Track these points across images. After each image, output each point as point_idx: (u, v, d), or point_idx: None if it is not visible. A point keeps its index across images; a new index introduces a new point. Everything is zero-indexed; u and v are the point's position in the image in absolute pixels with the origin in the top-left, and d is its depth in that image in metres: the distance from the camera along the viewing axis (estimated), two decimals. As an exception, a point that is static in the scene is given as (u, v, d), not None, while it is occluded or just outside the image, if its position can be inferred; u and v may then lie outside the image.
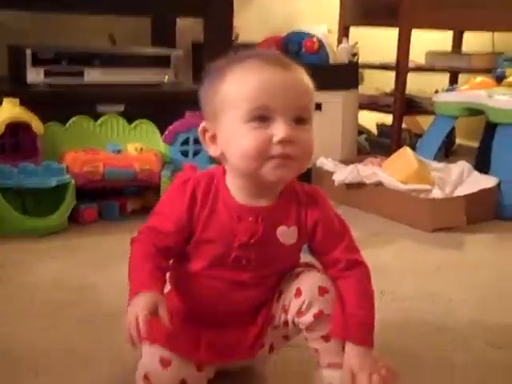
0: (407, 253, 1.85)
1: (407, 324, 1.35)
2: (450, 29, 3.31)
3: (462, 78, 3.29)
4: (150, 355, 0.97)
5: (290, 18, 3.21)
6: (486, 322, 1.39)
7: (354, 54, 2.79)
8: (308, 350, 1.05)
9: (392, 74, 2.95)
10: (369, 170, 2.22)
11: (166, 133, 2.05)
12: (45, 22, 2.58)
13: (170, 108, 2.23)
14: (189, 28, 2.87)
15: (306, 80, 0.96)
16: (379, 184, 2.15)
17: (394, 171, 2.16)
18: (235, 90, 0.93)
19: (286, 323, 1.03)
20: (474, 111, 2.44)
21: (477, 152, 2.72)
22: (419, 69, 3.12)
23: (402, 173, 2.13)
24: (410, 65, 2.94)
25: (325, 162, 2.38)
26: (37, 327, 1.28)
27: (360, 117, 2.94)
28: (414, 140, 3.05)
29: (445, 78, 3.33)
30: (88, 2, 2.22)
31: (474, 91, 2.44)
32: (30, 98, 2.05)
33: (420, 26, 2.93)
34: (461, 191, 2.14)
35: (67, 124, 2.07)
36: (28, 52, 2.14)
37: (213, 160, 2.05)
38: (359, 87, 2.82)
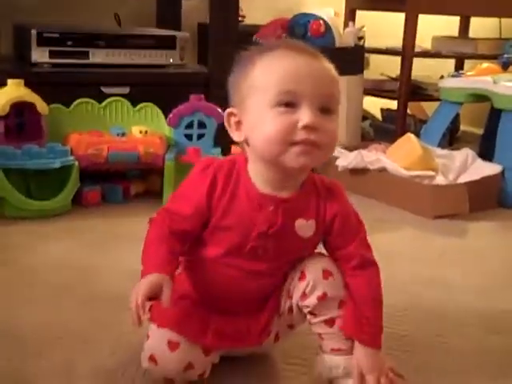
0: (409, 239, 1.86)
1: (407, 310, 1.36)
2: (456, 14, 3.28)
3: (468, 63, 3.27)
4: (158, 337, 0.99)
5: (296, 0, 3.19)
6: (486, 308, 1.40)
7: (360, 38, 2.77)
8: (310, 336, 1.06)
9: (398, 59, 2.93)
10: (373, 156, 2.21)
11: (171, 116, 2.04)
12: (50, 2, 2.57)
13: (174, 90, 2.22)
14: (194, 9, 2.85)
15: (333, 71, 0.96)
16: (383, 170, 2.15)
17: (398, 157, 2.15)
18: (264, 76, 0.94)
19: (290, 309, 1.04)
20: (480, 97, 2.44)
21: (481, 139, 2.71)
22: (425, 54, 3.10)
23: (406, 159, 2.13)
24: (416, 50, 2.92)
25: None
26: (39, 309, 1.29)
27: (364, 102, 2.93)
28: (418, 126, 3.04)
29: (451, 64, 3.31)
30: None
31: (480, 77, 2.44)
32: (35, 79, 2.04)
33: (427, 11, 2.90)
34: (464, 178, 2.14)
35: (71, 106, 2.07)
36: (33, 32, 2.13)
37: (217, 144, 2.07)
38: (364, 72, 2.81)
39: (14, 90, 1.92)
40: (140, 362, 1.04)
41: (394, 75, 3.13)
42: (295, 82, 0.92)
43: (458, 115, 2.95)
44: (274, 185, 0.98)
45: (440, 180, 2.08)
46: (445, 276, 1.58)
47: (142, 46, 2.32)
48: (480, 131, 2.80)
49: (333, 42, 2.60)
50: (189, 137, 2.07)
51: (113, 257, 1.58)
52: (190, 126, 2.06)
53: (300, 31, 2.60)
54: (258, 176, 0.98)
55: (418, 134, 2.42)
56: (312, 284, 1.00)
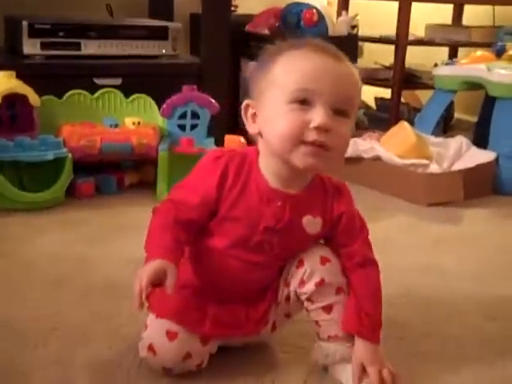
0: (404, 227, 1.86)
1: (403, 297, 1.36)
2: (450, 2, 3.27)
3: (461, 51, 3.26)
4: (157, 327, 0.99)
5: (289, -10, 3.17)
6: (481, 294, 1.40)
7: (354, 27, 2.77)
8: (307, 324, 1.06)
9: (391, 48, 2.92)
10: (367, 145, 2.21)
11: (164, 106, 2.03)
12: (41, -7, 2.55)
13: (167, 81, 2.21)
14: (187, 0, 2.84)
15: (355, 75, 0.96)
16: (377, 158, 2.15)
17: (392, 146, 2.15)
18: (283, 72, 0.94)
19: (287, 298, 1.05)
20: (474, 85, 2.43)
21: (475, 126, 2.71)
22: (419, 42, 3.09)
23: (400, 147, 2.13)
24: (410, 38, 2.91)
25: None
26: (37, 300, 1.28)
27: (358, 91, 2.91)
28: (412, 114, 3.04)
29: (444, 52, 3.31)
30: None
31: (474, 65, 2.43)
32: (26, 70, 2.03)
33: (420, -1, 2.90)
34: (458, 166, 2.14)
35: (63, 97, 2.05)
36: (24, 23, 2.12)
37: (210, 134, 2.06)
38: (358, 61, 2.80)
39: (6, 82, 1.91)
40: (136, 354, 1.05)
41: (387, 64, 3.13)
42: (312, 80, 0.92)
43: (452, 103, 2.95)
44: (284, 180, 0.99)
45: (434, 168, 2.08)
46: (440, 263, 1.58)
47: (135, 37, 2.31)
48: (474, 119, 2.80)
49: (326, 30, 2.58)
50: (182, 127, 2.06)
51: (108, 248, 1.58)
52: (183, 116, 2.05)
53: (293, 20, 2.59)
54: (268, 170, 0.99)
55: (412, 123, 2.42)
56: (310, 271, 1.00)
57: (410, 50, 2.92)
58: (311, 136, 0.91)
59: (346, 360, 1.02)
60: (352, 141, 2.22)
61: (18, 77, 1.93)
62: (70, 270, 1.44)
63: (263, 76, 0.97)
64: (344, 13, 2.81)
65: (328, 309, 1.01)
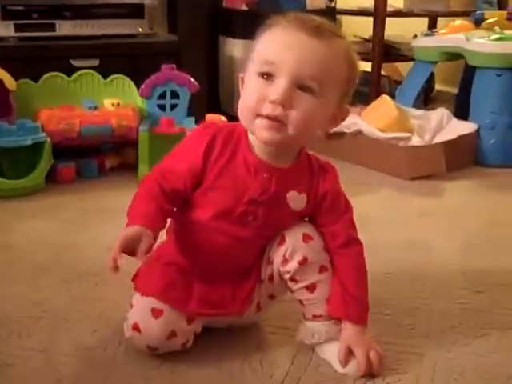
0: (387, 201, 1.86)
1: (387, 272, 1.36)
2: (428, -29, 3.25)
3: (440, 21, 3.25)
4: (142, 305, 1.00)
5: (265, -36, 3.13)
6: (466, 268, 1.41)
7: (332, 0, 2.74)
8: (292, 304, 1.06)
9: (370, 20, 2.90)
10: (348, 119, 2.19)
11: (143, 86, 2.01)
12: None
13: (145, 61, 2.19)
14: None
15: (332, 54, 0.94)
16: (359, 133, 2.14)
17: (374, 120, 2.14)
18: (258, 46, 0.96)
19: (271, 277, 1.04)
20: (454, 55, 2.43)
21: (456, 98, 2.71)
22: (397, 13, 3.07)
23: (382, 121, 2.12)
24: (389, 9, 2.89)
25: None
26: (18, 288, 1.27)
27: (338, 64, 2.90)
28: (393, 87, 3.03)
29: (424, 23, 3.29)
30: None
31: (453, 35, 2.42)
32: (1, 54, 2.00)
33: (398, -31, 2.88)
34: (440, 138, 2.14)
35: (40, 80, 2.02)
36: (-4, 5, 2.08)
37: (191, 113, 2.04)
38: (337, 34, 2.77)
39: (-20, 67, 1.88)
40: (122, 338, 1.05)
41: (366, 36, 3.11)
42: (277, 54, 0.92)
43: (432, 74, 2.94)
44: (270, 154, 0.99)
45: (416, 141, 2.08)
46: (425, 237, 1.58)
47: (110, 16, 2.28)
48: (455, 90, 2.79)
49: (304, 4, 2.56)
50: (162, 107, 2.04)
51: (90, 233, 1.56)
52: (162, 96, 2.03)
53: (271, -5, 2.56)
54: (255, 143, 0.99)
55: (392, 96, 2.41)
56: (292, 248, 1.00)
57: (389, 21, 2.90)
58: (266, 109, 0.92)
59: (332, 338, 1.02)
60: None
61: (-8, 60, 1.90)
62: (52, 256, 1.43)
63: (252, 50, 0.98)
64: (322, -15, 2.77)
65: (311, 288, 1.01)
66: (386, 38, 2.92)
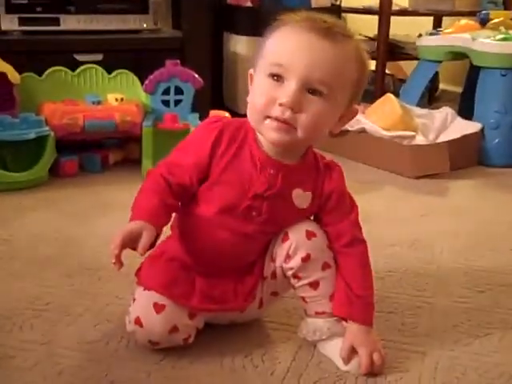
0: (391, 200, 1.86)
1: (389, 270, 1.36)
2: (433, -30, 3.24)
3: (446, 21, 3.24)
4: (144, 300, 0.99)
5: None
6: (469, 267, 1.41)
7: (337, -2, 2.74)
8: (295, 301, 1.06)
9: (375, 18, 2.90)
10: (352, 117, 2.19)
11: (147, 82, 2.01)
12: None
13: (149, 56, 2.19)
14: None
15: (343, 56, 0.93)
16: (362, 131, 2.14)
17: (378, 118, 2.14)
18: (269, 46, 0.96)
19: (274, 274, 1.04)
20: (458, 55, 2.43)
21: (460, 97, 2.71)
22: (403, 12, 3.07)
23: (386, 120, 2.12)
24: (394, 8, 2.89)
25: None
26: (18, 281, 1.27)
27: (343, 63, 2.89)
28: (397, 86, 3.03)
29: (429, 22, 3.28)
30: None
31: (458, 34, 2.42)
32: (4, 47, 2.00)
33: (404, -32, 2.87)
34: (444, 137, 2.14)
35: (44, 74, 2.02)
36: (1, -1, 2.08)
37: (195, 109, 2.04)
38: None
39: (-16, 60, 1.87)
40: (124, 333, 1.05)
41: (371, 35, 3.10)
42: (287, 56, 0.92)
43: (436, 74, 2.94)
44: (276, 151, 0.98)
45: (420, 140, 2.07)
46: (428, 236, 1.58)
47: (114, 11, 2.28)
48: (459, 89, 2.79)
49: (309, 1, 2.56)
50: (166, 103, 2.04)
51: (92, 227, 1.56)
52: (166, 92, 2.03)
53: (276, -8, 2.55)
54: (263, 139, 0.99)
55: (397, 94, 2.41)
56: (295, 245, 1.00)
57: (394, 20, 2.90)
58: (275, 112, 0.92)
59: (334, 335, 1.02)
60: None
61: (-4, 54, 1.90)
62: (54, 249, 1.43)
63: (261, 47, 0.97)
64: (327, -17, 2.77)
65: (315, 285, 1.01)
66: (390, 36, 2.92)
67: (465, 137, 2.14)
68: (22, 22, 2.12)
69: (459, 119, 2.26)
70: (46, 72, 2.02)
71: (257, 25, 2.61)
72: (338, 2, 2.73)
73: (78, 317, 1.14)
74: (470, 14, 2.88)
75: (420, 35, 2.69)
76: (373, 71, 3.03)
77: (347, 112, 1.00)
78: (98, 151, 2.02)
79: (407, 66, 3.14)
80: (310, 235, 1.00)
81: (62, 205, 1.71)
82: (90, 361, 1.01)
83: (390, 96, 2.24)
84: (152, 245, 0.91)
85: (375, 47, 2.93)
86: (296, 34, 0.93)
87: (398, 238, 1.55)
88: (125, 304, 1.05)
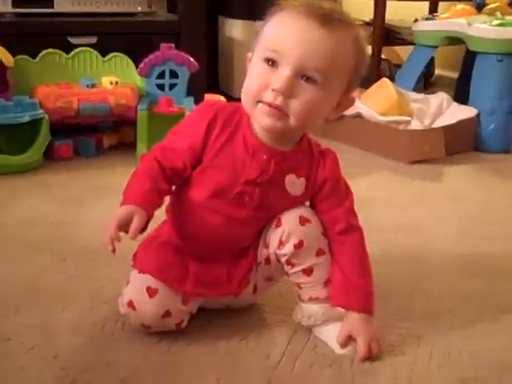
0: (386, 185, 1.86)
1: (385, 256, 1.35)
2: (430, -45, 3.22)
3: (442, 5, 3.23)
4: (138, 283, 0.99)
5: None
6: (463, 252, 1.41)
7: (333, -18, 2.72)
8: (288, 286, 1.06)
9: (371, 3, 2.88)
10: (348, 102, 2.19)
11: (142, 65, 1.99)
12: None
13: (144, 39, 2.17)
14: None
15: (340, 44, 0.92)
16: (358, 116, 2.13)
17: (374, 103, 2.13)
18: (266, 31, 0.95)
19: (267, 260, 1.04)
20: (454, 40, 2.41)
21: (456, 82, 2.70)
22: (399, -3, 3.05)
23: (382, 104, 2.11)
24: (390, -8, 2.87)
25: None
26: (13, 265, 1.27)
27: (338, 47, 2.88)
28: (393, 71, 3.01)
29: (425, 7, 3.27)
30: None
31: (454, 19, 2.41)
32: (-3, 29, 1.98)
33: (400, -48, 2.85)
34: (440, 122, 2.13)
35: (38, 57, 2.00)
36: (-6, -20, 2.06)
37: (190, 93, 2.03)
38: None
39: (-24, 42, 1.86)
40: (119, 317, 1.05)
41: (367, 19, 3.09)
42: (282, 43, 0.91)
43: (432, 59, 2.93)
44: (270, 137, 0.98)
45: (416, 125, 2.07)
46: (423, 221, 1.58)
47: (109, -7, 2.26)
48: (455, 75, 2.78)
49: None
50: (161, 87, 2.02)
51: (87, 211, 1.56)
52: (161, 75, 2.01)
53: (272, -25, 2.53)
54: (257, 125, 0.98)
55: (392, 79, 2.40)
56: (288, 231, 0.99)
57: (390, 5, 2.88)
58: (267, 97, 0.91)
59: (329, 320, 1.02)
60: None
61: (-11, 36, 1.88)
62: (48, 233, 1.42)
63: (259, 31, 0.97)
64: (323, -33, 2.75)
65: (308, 271, 1.01)
66: (386, 21, 2.90)
67: (460, 122, 2.13)
68: (15, 3, 2.10)
69: (455, 104, 2.26)
70: (40, 55, 2.00)
71: (252, 9, 2.60)
72: (333, -14, 2.72)
73: (73, 300, 1.14)
74: (466, -2, 2.86)
75: (416, 20, 2.68)
76: (368, 56, 3.02)
77: (344, 100, 0.99)
78: (92, 135, 2.01)
79: (402, 52, 3.13)
80: (303, 221, 1.00)
81: (57, 188, 1.71)
82: (86, 344, 1.01)
83: (385, 81, 2.24)
84: (143, 229, 0.91)
85: (371, 32, 2.91)
86: (293, 20, 0.92)
87: (393, 223, 1.55)
88: (120, 287, 1.05)
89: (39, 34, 2.09)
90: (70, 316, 1.09)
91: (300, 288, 1.03)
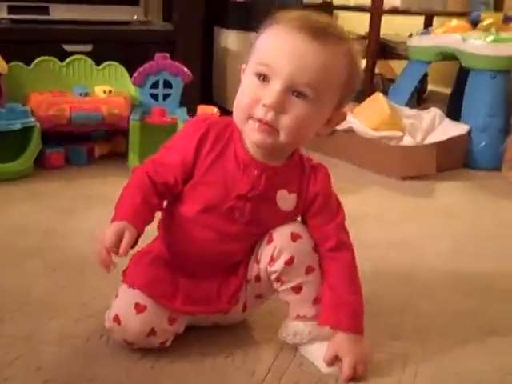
0: (378, 200, 1.86)
1: (376, 272, 1.35)
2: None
3: (437, 20, 3.25)
4: (127, 298, 0.98)
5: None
6: (454, 270, 1.41)
7: (329, -6, 2.74)
8: (278, 303, 1.06)
9: (366, 17, 2.89)
10: (341, 116, 2.19)
11: (136, 74, 1.99)
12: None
13: (139, 49, 2.18)
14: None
15: (332, 59, 0.92)
16: (350, 130, 2.14)
17: (366, 118, 2.14)
18: (258, 45, 0.95)
19: (258, 277, 1.03)
20: (448, 56, 2.42)
21: (449, 98, 2.71)
22: (394, 11, 3.06)
23: (374, 119, 2.12)
24: (385, 7, 2.88)
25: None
26: (2, 274, 1.26)
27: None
28: (386, 85, 3.02)
29: (420, 22, 3.29)
30: None
31: (449, 35, 2.42)
32: (-8, 36, 1.97)
33: (396, -33, 2.87)
34: (432, 139, 2.14)
35: (32, 64, 2.00)
36: (-11, -14, 2.06)
37: (183, 104, 2.03)
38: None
39: (-29, 48, 1.85)
40: (105, 330, 1.04)
41: (362, 33, 3.10)
42: (274, 57, 0.91)
43: (425, 74, 2.94)
44: (261, 152, 0.97)
45: (408, 140, 2.07)
46: (413, 237, 1.58)
47: (105, 2, 2.26)
48: (448, 90, 2.79)
49: (301, -2, 2.55)
50: (154, 97, 2.02)
51: (78, 220, 1.55)
52: (155, 85, 2.01)
53: (267, -13, 2.54)
54: (248, 140, 0.98)
55: (386, 94, 2.41)
56: (279, 247, 0.99)
57: (385, 19, 2.90)
58: (258, 112, 0.91)
59: (315, 339, 1.01)
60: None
61: (-16, 42, 1.88)
62: (39, 242, 1.42)
63: (253, 43, 0.97)
64: (319, -20, 2.77)
65: (297, 289, 1.00)
66: (381, 35, 2.91)
67: (452, 139, 2.14)
68: (11, 10, 2.10)
69: (447, 121, 2.26)
70: (34, 62, 2.00)
71: (248, 20, 2.61)
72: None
73: (60, 311, 1.13)
74: (461, 14, 2.88)
75: (411, 35, 2.69)
76: (362, 70, 3.03)
77: (335, 115, 0.99)
78: (84, 144, 2.01)
79: (396, 66, 3.15)
80: (295, 237, 0.99)
81: (47, 197, 1.70)
82: (70, 356, 1.00)
83: (378, 95, 2.24)
84: (133, 245, 0.91)
85: (365, 45, 2.92)
86: (286, 34, 0.91)
87: (384, 240, 1.55)
88: (108, 300, 1.04)
89: (34, 40, 2.09)
90: (56, 327, 1.08)
91: (288, 306, 1.03)
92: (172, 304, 0.99)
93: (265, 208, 1.00)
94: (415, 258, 1.46)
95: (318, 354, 1.00)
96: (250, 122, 0.92)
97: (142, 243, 0.99)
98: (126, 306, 0.98)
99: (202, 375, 0.98)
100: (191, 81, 2.03)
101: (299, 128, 0.92)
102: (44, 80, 2.00)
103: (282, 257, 0.99)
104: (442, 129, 2.19)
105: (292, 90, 0.91)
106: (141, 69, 1.99)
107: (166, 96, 2.02)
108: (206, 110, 2.00)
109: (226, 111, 0.99)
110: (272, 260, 1.00)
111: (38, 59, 2.01)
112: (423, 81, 3.06)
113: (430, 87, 3.34)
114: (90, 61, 2.06)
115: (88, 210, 1.61)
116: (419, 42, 2.53)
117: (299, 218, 1.05)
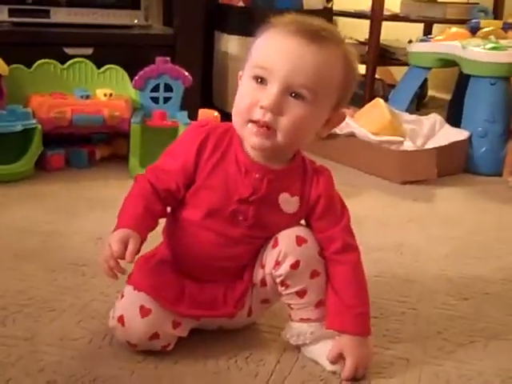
0: (377, 205, 1.86)
1: (375, 276, 1.35)
2: (425, -23, 3.25)
3: (436, 28, 3.26)
4: (132, 300, 0.99)
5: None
6: (453, 274, 1.41)
7: (329, 0, 2.74)
8: (281, 304, 1.06)
9: (366, 23, 2.90)
10: (341, 121, 2.19)
11: (137, 78, 1.99)
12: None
13: (139, 52, 2.18)
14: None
15: (329, 61, 0.93)
16: (351, 135, 2.14)
17: (367, 122, 2.14)
18: (255, 49, 0.95)
19: (263, 282, 1.03)
20: (448, 62, 2.43)
21: (449, 104, 2.72)
22: (394, 18, 3.07)
23: (375, 124, 2.12)
24: (385, 13, 2.89)
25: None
26: (2, 275, 1.26)
27: (333, 66, 2.89)
28: (387, 91, 3.03)
29: (419, 28, 3.30)
30: None
31: (449, 42, 2.43)
32: (-7, 38, 1.98)
33: (396, -26, 2.88)
34: (432, 144, 2.14)
35: (33, 67, 2.00)
36: (-9, -11, 2.06)
37: (184, 107, 2.03)
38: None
39: (-28, 50, 1.85)
40: (107, 331, 1.04)
41: (362, 39, 3.11)
42: (271, 60, 0.91)
43: (426, 80, 2.95)
44: (262, 155, 0.98)
45: (408, 146, 2.08)
46: (413, 242, 1.58)
47: (106, 6, 2.26)
48: (448, 97, 2.80)
49: (300, 3, 2.56)
50: (155, 100, 2.02)
51: (77, 222, 1.55)
52: (156, 89, 2.01)
53: (268, -8, 2.55)
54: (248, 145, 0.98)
55: (386, 99, 2.41)
56: (284, 251, 0.98)
57: (385, 25, 2.91)
58: (256, 115, 0.91)
59: (318, 339, 1.01)
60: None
61: (-15, 45, 1.88)
62: (39, 244, 1.41)
63: (251, 48, 0.97)
64: (319, -14, 2.77)
65: (302, 293, 1.00)
66: (381, 41, 2.92)
67: (452, 144, 2.15)
68: (12, 13, 2.10)
69: (447, 126, 2.27)
70: (35, 64, 2.00)
71: (248, 25, 2.61)
72: (329, 5, 2.73)
73: (62, 312, 1.13)
74: (460, 22, 2.89)
75: (410, 41, 2.70)
76: (363, 75, 3.03)
77: (333, 116, 0.99)
78: (85, 146, 2.01)
79: (396, 72, 3.15)
80: (300, 241, 0.99)
81: (49, 198, 1.70)
82: (73, 358, 1.00)
83: (379, 100, 2.25)
84: (138, 251, 0.91)
85: (365, 51, 2.93)
86: (282, 37, 0.92)
87: (383, 244, 1.55)
88: (109, 301, 1.05)
89: (35, 43, 2.09)
90: (58, 328, 1.08)
91: (292, 309, 1.03)
92: (177, 308, 0.99)
93: (268, 211, 0.99)
94: (414, 262, 1.46)
95: (322, 352, 1.00)
96: (249, 126, 0.93)
97: (144, 250, 0.98)
98: (131, 308, 0.98)
99: (205, 376, 0.98)
100: (192, 85, 2.03)
101: (297, 129, 0.93)
102: (44, 83, 2.00)
103: (287, 260, 0.98)
104: (443, 134, 2.20)
105: (289, 92, 0.91)
106: (141, 72, 1.99)
107: (166, 99, 2.03)
108: (207, 114, 2.00)
109: (226, 115, 0.99)
110: (277, 264, 0.99)
111: (39, 62, 2.01)
112: (423, 86, 3.07)
113: (430, 93, 3.35)
114: (90, 64, 2.06)
115: (89, 212, 1.61)
116: (419, 48, 2.54)
117: (303, 222, 1.04)
